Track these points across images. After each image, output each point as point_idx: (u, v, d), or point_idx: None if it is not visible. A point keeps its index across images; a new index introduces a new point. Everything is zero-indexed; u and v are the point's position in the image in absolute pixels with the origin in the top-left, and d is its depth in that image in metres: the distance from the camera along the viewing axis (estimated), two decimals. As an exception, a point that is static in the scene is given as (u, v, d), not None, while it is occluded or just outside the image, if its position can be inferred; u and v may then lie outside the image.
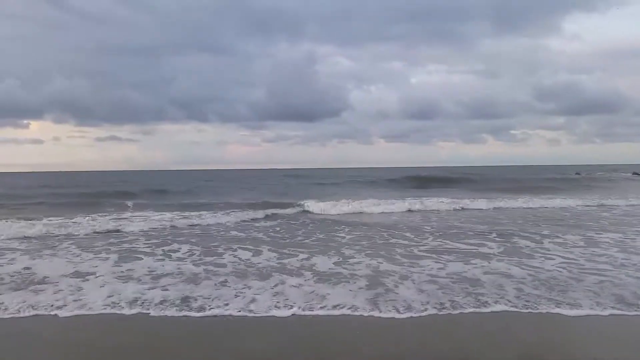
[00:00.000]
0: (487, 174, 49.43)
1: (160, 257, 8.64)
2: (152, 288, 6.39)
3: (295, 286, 6.43)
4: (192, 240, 10.74)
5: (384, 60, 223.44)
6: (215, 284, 6.59)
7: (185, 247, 9.69)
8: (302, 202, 18.14)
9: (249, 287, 6.38)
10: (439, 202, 18.96)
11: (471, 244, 9.73)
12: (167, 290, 6.30)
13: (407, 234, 11.21)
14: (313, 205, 17.51)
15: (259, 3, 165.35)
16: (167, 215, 15.59)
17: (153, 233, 11.88)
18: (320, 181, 44.08)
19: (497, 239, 10.42)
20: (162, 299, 5.86)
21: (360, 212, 16.86)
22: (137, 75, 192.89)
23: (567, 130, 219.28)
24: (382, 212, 16.77)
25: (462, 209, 17.72)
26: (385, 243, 10.03)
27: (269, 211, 16.14)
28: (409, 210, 17.19)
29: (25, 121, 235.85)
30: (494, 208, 18.05)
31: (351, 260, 8.14)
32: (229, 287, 6.45)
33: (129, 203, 18.94)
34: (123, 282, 6.73)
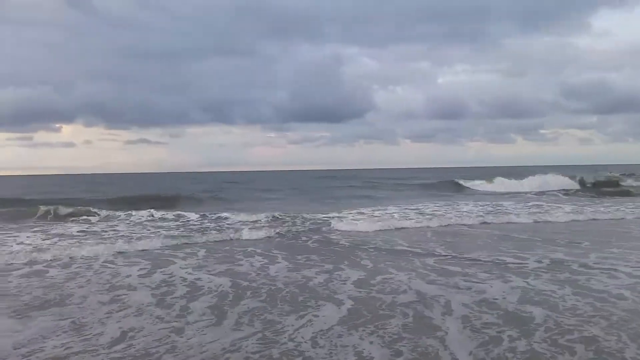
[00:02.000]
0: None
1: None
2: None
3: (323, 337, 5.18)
4: (216, 255, 9.77)
5: (409, 61, 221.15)
6: (237, 322, 5.41)
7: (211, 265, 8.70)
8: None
9: (276, 326, 5.23)
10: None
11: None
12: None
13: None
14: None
15: (281, 5, 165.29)
16: (188, 224, 14.77)
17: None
18: (359, 184, 42.82)
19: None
20: None
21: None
22: (164, 79, 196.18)
23: (599, 129, 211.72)
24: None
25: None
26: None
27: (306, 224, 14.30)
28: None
29: (57, 125, 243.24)
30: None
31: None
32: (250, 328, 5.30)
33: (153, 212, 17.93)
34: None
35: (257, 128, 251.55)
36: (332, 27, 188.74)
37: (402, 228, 13.44)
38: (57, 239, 12.01)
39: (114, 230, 13.69)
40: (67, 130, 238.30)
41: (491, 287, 6.76)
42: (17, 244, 11.27)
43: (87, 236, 12.43)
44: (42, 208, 17.51)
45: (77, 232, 13.47)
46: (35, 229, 13.99)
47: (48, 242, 11.50)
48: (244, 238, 11.62)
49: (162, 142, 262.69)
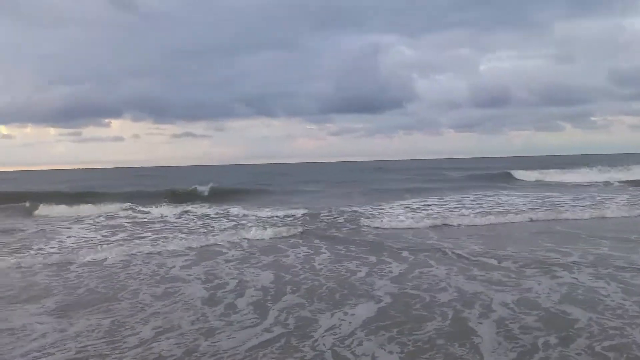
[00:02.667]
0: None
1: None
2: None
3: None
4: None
5: (451, 48, 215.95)
6: (275, 320, 5.57)
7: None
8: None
9: (307, 328, 5.32)
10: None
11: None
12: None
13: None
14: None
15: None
16: (229, 217, 15.05)
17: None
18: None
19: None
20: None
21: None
22: (208, 74, 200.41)
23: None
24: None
25: None
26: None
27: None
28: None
29: (106, 120, 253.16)
30: None
31: None
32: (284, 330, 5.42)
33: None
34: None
35: (298, 120, 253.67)
36: (373, 16, 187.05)
37: (445, 225, 12.61)
38: (109, 232, 12.62)
39: (163, 222, 14.28)
40: (116, 125, 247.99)
41: (538, 284, 6.61)
42: (68, 237, 11.91)
43: (138, 230, 12.96)
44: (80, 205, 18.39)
45: (128, 223, 14.13)
46: (88, 222, 14.70)
47: (101, 236, 12.10)
48: (281, 235, 11.40)
49: (207, 136, 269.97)
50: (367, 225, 12.81)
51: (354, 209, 16.00)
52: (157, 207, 17.24)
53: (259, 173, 57.44)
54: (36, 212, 17.53)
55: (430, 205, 17.23)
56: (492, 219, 13.35)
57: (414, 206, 16.87)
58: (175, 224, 13.97)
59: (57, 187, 32.76)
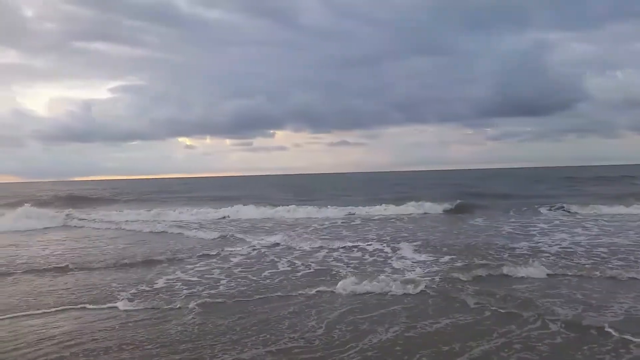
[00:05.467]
0: None
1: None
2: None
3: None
4: None
5: (630, 41, 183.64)
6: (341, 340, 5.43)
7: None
8: None
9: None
10: None
11: None
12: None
13: None
14: None
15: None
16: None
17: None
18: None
19: None
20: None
21: None
22: (361, 83, 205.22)
23: None
24: None
25: None
26: None
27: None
28: None
29: (271, 131, 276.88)
30: None
31: None
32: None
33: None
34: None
35: (451, 126, 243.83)
36: (536, 12, 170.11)
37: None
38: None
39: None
40: (280, 136, 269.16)
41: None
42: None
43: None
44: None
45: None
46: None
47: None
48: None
49: (361, 143, 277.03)
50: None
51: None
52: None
53: (415, 179, 55.62)
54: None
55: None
56: None
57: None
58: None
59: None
